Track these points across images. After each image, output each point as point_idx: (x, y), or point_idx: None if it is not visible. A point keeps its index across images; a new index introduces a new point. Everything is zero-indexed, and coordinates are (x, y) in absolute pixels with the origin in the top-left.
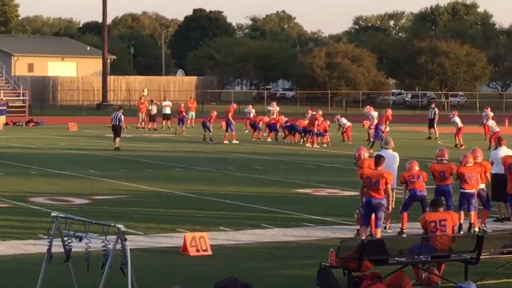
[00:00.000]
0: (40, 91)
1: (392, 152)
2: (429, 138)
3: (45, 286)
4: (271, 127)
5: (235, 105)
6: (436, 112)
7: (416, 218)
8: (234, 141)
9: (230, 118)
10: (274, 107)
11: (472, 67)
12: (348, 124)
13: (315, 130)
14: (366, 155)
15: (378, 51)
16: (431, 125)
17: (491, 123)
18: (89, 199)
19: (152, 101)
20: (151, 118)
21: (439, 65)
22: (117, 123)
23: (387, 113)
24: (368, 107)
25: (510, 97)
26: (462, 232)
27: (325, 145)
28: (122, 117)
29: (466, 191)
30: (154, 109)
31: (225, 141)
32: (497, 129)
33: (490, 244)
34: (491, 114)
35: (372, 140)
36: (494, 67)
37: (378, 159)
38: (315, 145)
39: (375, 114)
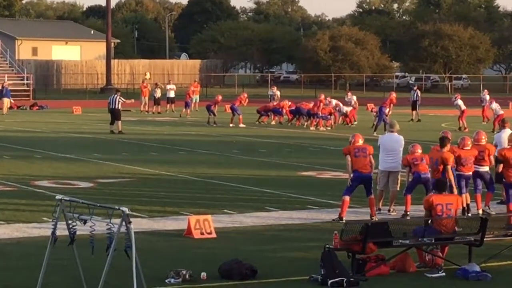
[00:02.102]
0: (44, 75)
1: (398, 135)
2: (412, 120)
3: (49, 269)
4: (275, 111)
5: (246, 95)
6: (419, 94)
7: (420, 200)
8: (241, 125)
9: (237, 104)
10: (275, 91)
11: (475, 50)
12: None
13: (320, 113)
14: (361, 141)
15: (382, 34)
16: (413, 107)
17: (495, 105)
18: (93, 182)
19: (156, 84)
20: (156, 101)
21: (442, 48)
22: (115, 106)
23: (391, 96)
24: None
25: None
26: (469, 214)
27: (329, 128)
28: (122, 99)
29: (462, 173)
30: (158, 93)
31: (231, 124)
32: (501, 111)
33: (494, 226)
34: (488, 97)
35: (375, 123)
36: (497, 49)
37: (444, 140)
38: (321, 128)
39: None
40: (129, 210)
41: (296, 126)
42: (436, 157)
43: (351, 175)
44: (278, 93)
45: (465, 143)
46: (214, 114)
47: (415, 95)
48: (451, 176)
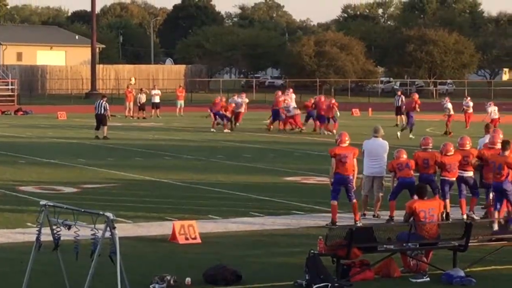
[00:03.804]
0: (29, 80)
1: (382, 140)
2: (396, 125)
3: (34, 274)
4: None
5: (224, 98)
6: (403, 100)
7: (405, 206)
8: (226, 130)
9: (225, 111)
10: (243, 99)
11: (460, 55)
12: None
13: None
14: (348, 142)
15: (367, 39)
16: (398, 113)
17: (491, 109)
18: (78, 187)
19: (141, 89)
20: (140, 107)
21: (427, 53)
22: (102, 111)
23: (415, 98)
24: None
25: (498, 85)
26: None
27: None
28: (107, 105)
29: (447, 178)
30: (143, 98)
31: (212, 129)
32: (496, 116)
33: (478, 231)
34: (471, 103)
35: (406, 126)
36: (482, 55)
37: (506, 145)
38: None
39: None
40: (113, 215)
41: (280, 130)
42: (499, 162)
43: (332, 179)
44: (246, 100)
45: (447, 149)
46: (227, 119)
47: (399, 100)
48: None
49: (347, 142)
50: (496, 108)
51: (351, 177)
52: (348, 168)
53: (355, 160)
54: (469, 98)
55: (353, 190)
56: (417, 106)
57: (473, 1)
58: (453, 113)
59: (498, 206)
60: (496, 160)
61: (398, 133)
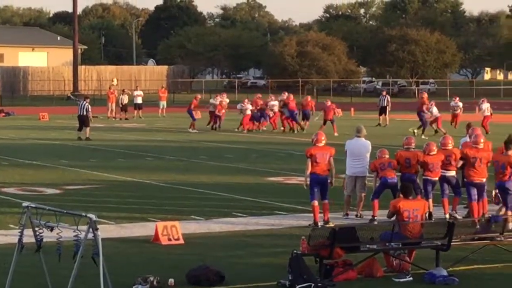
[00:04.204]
0: (11, 81)
1: (365, 140)
2: (379, 125)
3: (16, 276)
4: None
5: (198, 96)
6: (389, 100)
7: (387, 205)
8: (192, 130)
9: (192, 109)
10: (223, 98)
11: (442, 54)
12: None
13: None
14: (324, 141)
15: (349, 40)
16: (382, 112)
17: (485, 107)
18: (60, 189)
19: (123, 90)
20: (123, 108)
21: (409, 52)
22: (84, 113)
23: (424, 99)
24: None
25: (480, 84)
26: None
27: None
28: (89, 107)
29: (429, 178)
30: (125, 99)
31: (190, 130)
32: (488, 113)
33: (461, 230)
34: (460, 104)
35: (423, 127)
36: (464, 54)
37: (509, 144)
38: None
39: None
40: (96, 216)
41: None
42: (502, 161)
43: (308, 179)
44: (227, 101)
45: (430, 148)
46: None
47: (384, 100)
48: None
49: (323, 141)
50: (489, 105)
51: (327, 177)
52: (324, 168)
53: (331, 159)
54: (458, 98)
55: (329, 190)
56: (424, 107)
57: (455, 0)
58: (440, 115)
59: (510, 205)
60: (499, 160)
61: (415, 131)
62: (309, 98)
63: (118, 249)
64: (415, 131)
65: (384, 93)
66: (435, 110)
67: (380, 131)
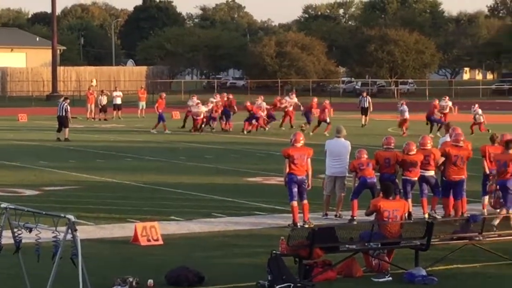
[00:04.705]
0: None
1: (344, 140)
2: (363, 125)
3: None
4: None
5: (163, 95)
6: (370, 101)
7: (366, 205)
8: (153, 131)
9: (160, 110)
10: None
11: (421, 54)
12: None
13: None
14: (302, 142)
15: (328, 40)
16: (365, 113)
17: (480, 112)
18: (39, 190)
19: (102, 91)
20: (102, 108)
21: (388, 53)
22: (63, 113)
23: (435, 103)
24: None
25: (459, 85)
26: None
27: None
28: (69, 107)
29: (409, 178)
30: (104, 100)
31: (167, 131)
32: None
33: (439, 230)
34: (450, 103)
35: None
36: (443, 54)
37: (509, 143)
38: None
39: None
40: (75, 217)
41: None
42: (504, 160)
43: (286, 180)
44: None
45: (410, 148)
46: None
47: (365, 101)
48: None
49: (301, 142)
50: (480, 110)
51: (304, 178)
52: (302, 168)
53: (309, 160)
54: (447, 98)
55: (307, 190)
56: (435, 110)
57: (434, 1)
58: (408, 117)
59: (509, 204)
60: (500, 159)
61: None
62: (315, 99)
63: (97, 250)
64: (436, 134)
65: (364, 94)
66: (405, 108)
67: (359, 131)
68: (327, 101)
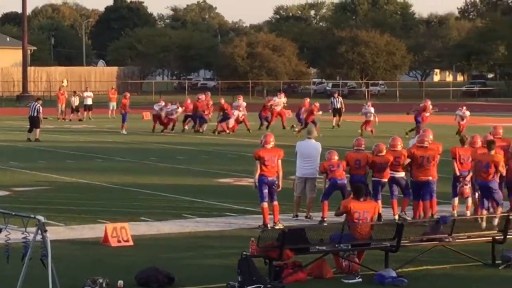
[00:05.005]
0: None
1: (315, 142)
2: (334, 127)
3: None
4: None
5: (128, 94)
6: (342, 102)
7: (336, 207)
8: (123, 132)
9: (126, 110)
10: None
11: (392, 56)
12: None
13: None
14: (272, 143)
15: (299, 41)
16: (338, 114)
17: (461, 113)
18: (9, 190)
19: (75, 92)
20: (74, 109)
21: (359, 54)
22: (35, 114)
23: (426, 104)
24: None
25: (429, 86)
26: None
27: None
28: (41, 108)
29: (378, 179)
30: (76, 101)
31: (124, 131)
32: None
33: (409, 231)
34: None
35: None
36: (413, 56)
37: (491, 144)
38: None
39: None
40: (45, 218)
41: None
42: (487, 160)
43: (256, 181)
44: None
45: (379, 149)
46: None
47: (337, 102)
48: (503, 170)
49: (272, 143)
50: (464, 113)
51: (275, 179)
52: (273, 170)
53: (279, 161)
54: (465, 108)
55: (277, 191)
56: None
57: (404, 2)
58: (373, 120)
59: (485, 204)
60: (483, 159)
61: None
62: (307, 100)
63: (67, 251)
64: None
65: (336, 95)
66: (372, 110)
67: (330, 133)
68: (317, 104)
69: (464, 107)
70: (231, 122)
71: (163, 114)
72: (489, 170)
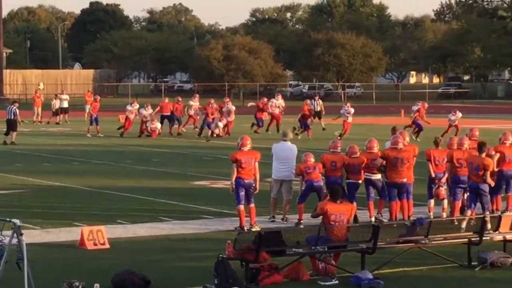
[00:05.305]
0: None
1: (291, 144)
2: (324, 129)
3: None
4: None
5: (99, 97)
6: (321, 104)
7: (313, 209)
8: (99, 135)
9: (94, 113)
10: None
11: (368, 58)
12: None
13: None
14: (249, 146)
15: (275, 43)
16: (319, 117)
17: (453, 116)
18: None
19: (56, 95)
20: (55, 112)
21: (335, 56)
22: (12, 117)
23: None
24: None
25: (405, 88)
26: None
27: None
28: (17, 111)
29: (353, 181)
30: (57, 104)
31: (89, 134)
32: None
33: (386, 233)
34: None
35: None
36: (389, 58)
37: (482, 146)
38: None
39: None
40: (20, 221)
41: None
42: (477, 163)
43: (233, 184)
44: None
45: (353, 150)
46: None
47: (317, 105)
48: (490, 180)
49: (249, 146)
50: (456, 116)
51: (252, 182)
52: (250, 172)
53: (256, 164)
54: (458, 111)
55: (254, 194)
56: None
57: (380, 5)
58: (350, 122)
59: (473, 206)
60: (473, 161)
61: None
62: (308, 101)
63: (43, 254)
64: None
65: (317, 97)
66: (351, 111)
67: (305, 136)
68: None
69: (457, 111)
70: (218, 125)
71: (132, 116)
72: (479, 173)
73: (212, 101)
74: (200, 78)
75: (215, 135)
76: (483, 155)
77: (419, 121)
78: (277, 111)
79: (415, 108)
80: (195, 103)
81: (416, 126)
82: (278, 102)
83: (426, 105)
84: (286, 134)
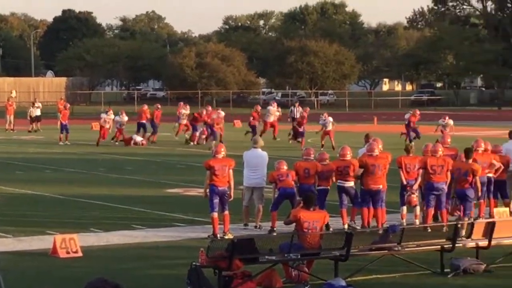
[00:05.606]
0: None
1: (262, 151)
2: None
3: None
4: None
5: (68, 105)
6: (301, 111)
7: (286, 216)
8: (66, 142)
9: (64, 120)
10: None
11: (341, 65)
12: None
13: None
14: (223, 153)
15: (248, 51)
16: (299, 125)
17: (444, 122)
18: None
19: (33, 103)
20: (32, 120)
21: (308, 64)
22: None
23: (416, 114)
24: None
25: (378, 96)
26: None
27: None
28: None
29: (323, 188)
30: (35, 111)
31: (61, 142)
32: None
33: (359, 240)
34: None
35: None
36: (362, 65)
37: (469, 152)
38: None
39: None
40: None
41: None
42: (465, 169)
43: (207, 191)
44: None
45: (322, 157)
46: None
47: (296, 111)
48: (479, 185)
49: (223, 153)
50: (447, 122)
51: (226, 189)
52: (224, 179)
53: (231, 171)
54: (447, 117)
55: (228, 201)
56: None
57: (353, 12)
58: (331, 130)
59: (468, 211)
60: (461, 167)
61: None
62: (307, 109)
63: (16, 262)
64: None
65: (297, 104)
66: (331, 119)
67: (276, 144)
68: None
69: (447, 117)
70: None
71: (107, 126)
72: (467, 178)
73: (210, 107)
74: (173, 85)
75: (195, 143)
76: (470, 161)
77: (416, 128)
78: (270, 119)
79: (407, 116)
80: (186, 111)
81: (413, 132)
82: (274, 109)
83: (418, 112)
84: (256, 141)
